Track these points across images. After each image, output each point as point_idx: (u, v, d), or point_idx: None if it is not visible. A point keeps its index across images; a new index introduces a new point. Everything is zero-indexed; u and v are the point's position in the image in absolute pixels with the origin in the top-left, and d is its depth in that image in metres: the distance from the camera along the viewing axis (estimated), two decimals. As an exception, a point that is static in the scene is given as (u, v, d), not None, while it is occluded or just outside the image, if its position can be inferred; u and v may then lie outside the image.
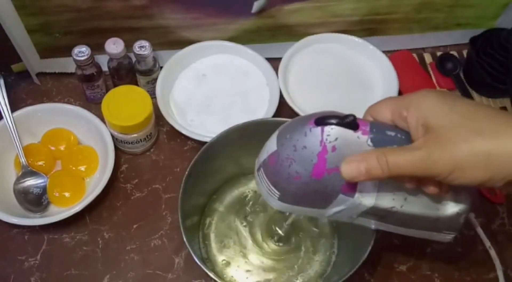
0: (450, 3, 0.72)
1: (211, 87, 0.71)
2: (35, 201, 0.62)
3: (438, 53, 0.78)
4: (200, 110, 0.69)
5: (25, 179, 0.63)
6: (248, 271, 0.58)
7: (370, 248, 0.49)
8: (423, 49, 0.79)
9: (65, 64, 0.71)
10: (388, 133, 0.39)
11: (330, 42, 0.74)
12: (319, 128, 0.38)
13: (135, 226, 0.63)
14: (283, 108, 0.68)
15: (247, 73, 0.72)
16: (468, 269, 0.61)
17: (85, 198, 0.60)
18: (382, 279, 0.60)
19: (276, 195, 0.41)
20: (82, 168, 0.64)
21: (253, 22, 0.70)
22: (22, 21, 0.64)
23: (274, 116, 0.65)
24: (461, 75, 0.75)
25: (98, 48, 0.64)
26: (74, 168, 0.64)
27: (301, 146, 0.38)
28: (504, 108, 0.74)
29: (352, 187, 0.40)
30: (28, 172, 0.63)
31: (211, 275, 0.48)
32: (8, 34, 0.63)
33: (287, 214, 0.55)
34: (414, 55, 0.78)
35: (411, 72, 0.75)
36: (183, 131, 0.64)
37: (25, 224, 0.59)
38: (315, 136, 0.38)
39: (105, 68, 0.69)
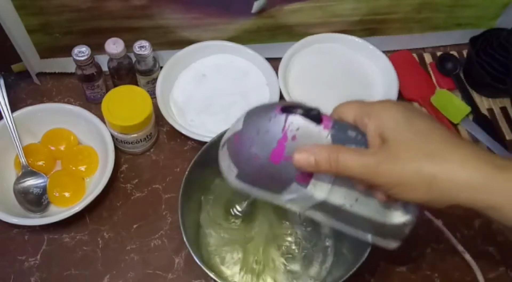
0: (450, 3, 0.72)
1: (211, 87, 0.71)
2: (35, 201, 0.62)
3: (438, 53, 0.78)
4: (200, 110, 0.69)
5: (25, 179, 0.63)
6: (247, 269, 0.58)
7: (369, 248, 0.49)
8: (423, 49, 0.79)
9: (65, 64, 0.71)
10: (348, 133, 0.40)
11: (330, 42, 0.74)
12: (283, 115, 0.39)
13: (135, 226, 0.63)
14: (283, 108, 0.68)
15: (247, 73, 0.71)
16: (468, 269, 0.61)
17: (85, 198, 0.60)
18: (382, 279, 0.60)
19: (234, 172, 0.42)
20: (82, 168, 0.64)
21: (253, 22, 0.70)
22: (22, 21, 0.64)
23: None
24: (461, 75, 0.75)
25: (98, 48, 0.64)
26: (74, 168, 0.64)
27: (264, 130, 0.39)
28: (504, 108, 0.74)
29: (306, 177, 0.40)
30: (28, 172, 0.63)
31: (211, 275, 0.48)
32: (8, 34, 0.63)
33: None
34: (414, 55, 0.78)
35: (411, 72, 0.75)
36: (183, 131, 0.64)
37: (25, 224, 0.59)
38: (278, 123, 0.39)
39: (105, 68, 0.69)
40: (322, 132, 0.39)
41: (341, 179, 0.40)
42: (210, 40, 0.72)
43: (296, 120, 0.39)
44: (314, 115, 0.39)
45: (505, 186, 0.34)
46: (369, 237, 0.46)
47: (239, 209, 0.60)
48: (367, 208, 0.42)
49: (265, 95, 0.69)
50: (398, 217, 0.43)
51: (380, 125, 0.37)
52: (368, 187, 0.40)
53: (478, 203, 0.34)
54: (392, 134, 0.36)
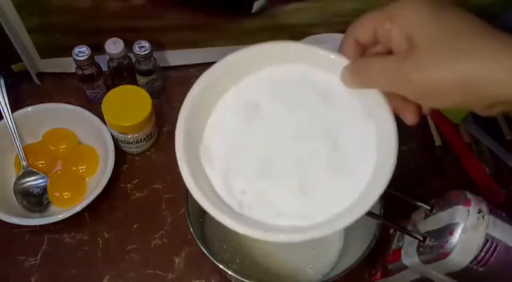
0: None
1: (270, 126, 0.40)
2: (35, 201, 0.62)
3: (438, 53, 0.77)
4: (255, 171, 0.39)
5: (25, 179, 0.63)
6: (253, 262, 0.58)
7: (369, 248, 0.49)
8: (423, 49, 0.79)
9: (65, 64, 0.71)
10: None
11: (330, 42, 0.73)
12: None
13: (135, 226, 0.63)
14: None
15: (332, 95, 0.39)
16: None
17: (85, 198, 0.60)
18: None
19: None
20: (82, 168, 0.64)
21: (253, 22, 0.70)
22: (22, 21, 0.64)
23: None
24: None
25: (98, 48, 0.64)
26: (74, 168, 0.64)
27: None
28: (504, 108, 0.74)
29: None
30: (28, 172, 0.63)
31: (221, 266, 0.48)
32: (8, 34, 0.63)
33: None
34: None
35: (411, 72, 0.75)
36: (229, 224, 0.36)
37: (25, 224, 0.59)
38: None
39: (105, 68, 0.69)
40: None
41: None
42: (262, 43, 0.42)
43: None
44: None
45: None
46: None
47: None
48: None
49: (369, 135, 0.38)
50: None
51: (406, 27, 0.33)
52: (399, 101, 0.36)
53: None
54: (421, 35, 0.32)
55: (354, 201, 0.36)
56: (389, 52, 0.35)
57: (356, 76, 0.36)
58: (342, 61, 0.37)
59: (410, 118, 0.36)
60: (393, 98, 0.36)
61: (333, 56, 0.38)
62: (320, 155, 0.38)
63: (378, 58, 0.34)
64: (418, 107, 0.36)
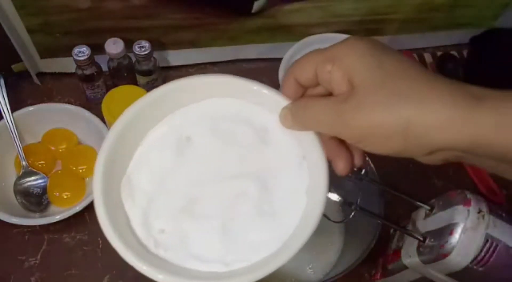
0: (450, 3, 0.72)
1: (201, 162, 0.37)
2: (35, 201, 0.62)
3: (438, 53, 0.78)
4: (178, 209, 0.36)
5: (25, 179, 0.63)
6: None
7: (369, 248, 0.49)
8: (423, 49, 0.79)
9: (65, 64, 0.71)
10: None
11: (330, 42, 0.72)
12: None
13: (135, 226, 0.63)
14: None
15: (267, 133, 0.38)
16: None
17: (85, 198, 0.60)
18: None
19: None
20: (82, 168, 0.64)
21: (253, 22, 0.70)
22: (22, 21, 0.64)
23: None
24: (461, 75, 0.75)
25: (98, 48, 0.64)
26: (74, 168, 0.64)
27: None
28: (504, 108, 0.74)
29: None
30: (28, 172, 0.63)
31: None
32: (8, 34, 0.63)
33: None
34: (414, 55, 0.78)
35: (411, 72, 0.75)
36: (138, 266, 0.32)
37: (25, 224, 0.59)
38: None
39: (105, 68, 0.69)
40: None
41: None
42: (200, 75, 0.37)
43: None
44: None
45: (489, 114, 0.29)
46: None
47: None
48: None
49: (301, 179, 0.36)
50: None
51: (347, 69, 0.32)
52: (333, 147, 0.35)
53: (460, 142, 0.29)
54: (361, 78, 0.31)
55: (277, 248, 0.34)
56: (330, 94, 0.34)
57: (294, 118, 0.35)
58: (281, 101, 0.35)
59: (342, 167, 0.35)
60: (329, 144, 0.35)
61: (273, 95, 0.36)
62: (249, 196, 0.36)
63: (318, 100, 0.33)
64: (352, 158, 0.35)
